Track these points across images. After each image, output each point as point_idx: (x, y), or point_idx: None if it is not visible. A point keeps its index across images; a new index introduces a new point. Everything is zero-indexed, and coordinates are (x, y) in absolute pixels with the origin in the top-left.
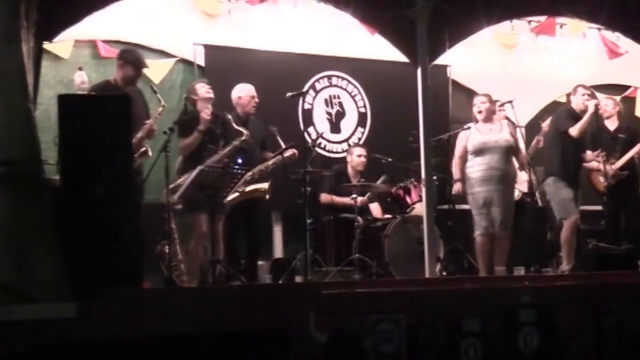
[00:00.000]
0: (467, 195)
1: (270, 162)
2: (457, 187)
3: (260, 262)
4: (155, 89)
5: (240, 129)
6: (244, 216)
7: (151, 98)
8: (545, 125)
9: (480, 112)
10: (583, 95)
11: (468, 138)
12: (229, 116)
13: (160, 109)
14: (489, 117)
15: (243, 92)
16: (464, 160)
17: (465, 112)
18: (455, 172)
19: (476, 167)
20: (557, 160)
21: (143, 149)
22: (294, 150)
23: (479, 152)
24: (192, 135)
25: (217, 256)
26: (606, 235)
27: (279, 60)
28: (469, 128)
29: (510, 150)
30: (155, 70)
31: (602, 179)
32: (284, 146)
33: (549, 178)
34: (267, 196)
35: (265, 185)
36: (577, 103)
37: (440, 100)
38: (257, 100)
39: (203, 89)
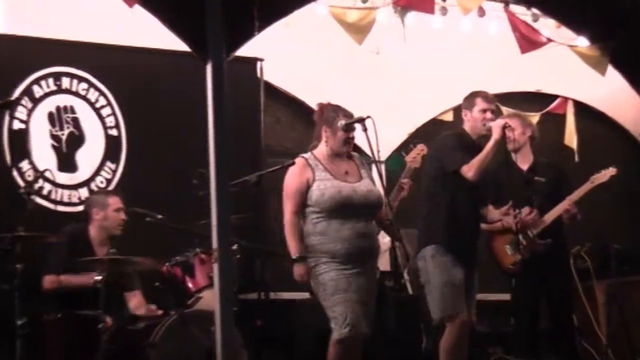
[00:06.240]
0: (314, 280)
1: None
2: (299, 271)
3: None
4: None
5: None
6: None
7: None
8: (413, 158)
9: (349, 139)
10: (484, 110)
11: (311, 182)
12: None
13: None
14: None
15: None
16: (298, 219)
17: (288, 135)
18: (290, 242)
19: (334, 235)
20: (439, 218)
21: None
22: None
23: (339, 210)
24: None
25: None
26: (518, 342)
27: None
28: (293, 164)
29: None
30: None
31: (510, 251)
32: None
33: (425, 248)
34: None
35: None
36: (473, 123)
37: (246, 117)
38: None
39: None
